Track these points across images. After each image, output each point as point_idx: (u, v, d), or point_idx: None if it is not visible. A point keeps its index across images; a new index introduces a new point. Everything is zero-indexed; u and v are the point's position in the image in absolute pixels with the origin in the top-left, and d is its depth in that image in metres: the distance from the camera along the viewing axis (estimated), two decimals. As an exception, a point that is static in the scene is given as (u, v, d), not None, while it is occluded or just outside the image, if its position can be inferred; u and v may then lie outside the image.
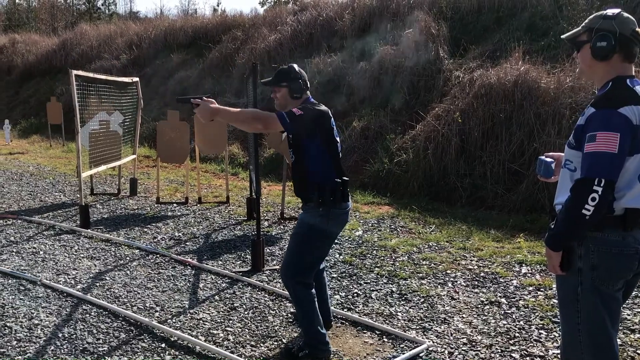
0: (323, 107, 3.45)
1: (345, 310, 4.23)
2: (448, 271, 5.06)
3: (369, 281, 4.84)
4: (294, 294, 3.50)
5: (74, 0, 44.54)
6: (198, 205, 7.88)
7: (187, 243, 6.03)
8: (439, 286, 4.71)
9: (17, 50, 24.80)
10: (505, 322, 4.00)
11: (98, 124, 7.91)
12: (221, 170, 10.88)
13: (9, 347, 3.59)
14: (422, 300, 4.42)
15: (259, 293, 4.55)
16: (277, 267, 5.19)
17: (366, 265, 5.23)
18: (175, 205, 7.88)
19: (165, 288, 4.67)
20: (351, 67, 12.12)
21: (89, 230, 6.45)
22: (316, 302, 3.48)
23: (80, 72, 6.82)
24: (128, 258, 5.48)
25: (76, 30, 24.03)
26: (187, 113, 10.80)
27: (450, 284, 4.76)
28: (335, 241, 6.00)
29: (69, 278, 4.90)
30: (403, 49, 11.01)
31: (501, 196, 7.42)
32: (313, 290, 3.49)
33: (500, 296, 4.48)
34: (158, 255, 5.56)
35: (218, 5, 56.76)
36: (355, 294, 4.55)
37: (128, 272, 5.07)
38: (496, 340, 3.73)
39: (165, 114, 9.64)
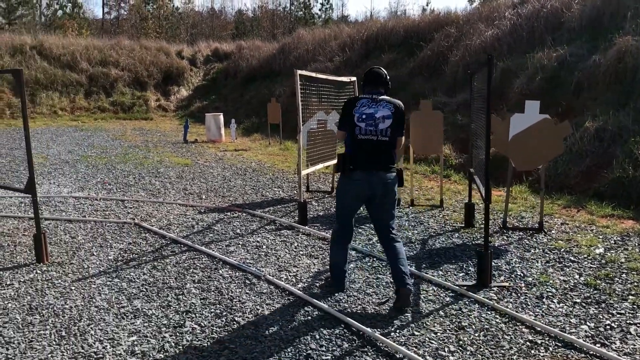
0: (353, 97, 4.54)
1: (597, 345, 3.55)
2: None
3: (622, 311, 4.06)
4: None
5: (292, 8, 47.68)
6: (410, 207, 7.59)
7: (404, 248, 5.73)
8: None
9: (242, 56, 27.21)
10: None
11: (316, 123, 8.04)
12: (431, 171, 10.49)
13: (237, 344, 3.62)
14: (701, 344, 3.54)
15: (489, 313, 4.06)
16: (506, 283, 4.64)
17: (616, 291, 4.42)
18: (387, 206, 7.67)
19: (385, 295, 4.42)
20: (581, 61, 10.87)
21: (306, 227, 6.53)
22: (340, 245, 4.52)
23: (304, 72, 6.94)
24: (345, 259, 5.36)
25: (294, 35, 25.53)
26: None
27: None
28: (572, 258, 5.29)
29: (290, 275, 4.92)
30: (649, 39, 9.52)
31: None
32: (340, 247, 4.52)
33: None
34: (374, 259, 5.36)
35: (427, 5, 56.30)
36: (607, 327, 3.82)
37: (346, 274, 4.92)
38: None
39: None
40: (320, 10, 47.33)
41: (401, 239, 4.46)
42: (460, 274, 4.93)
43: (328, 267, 4.89)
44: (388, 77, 4.46)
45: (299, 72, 6.67)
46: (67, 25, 40.13)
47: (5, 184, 9.30)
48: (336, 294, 4.44)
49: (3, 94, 21.92)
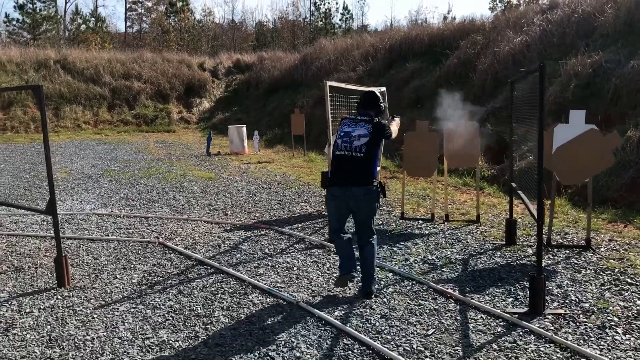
0: (342, 118, 4.98)
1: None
2: None
3: (697, 345, 3.65)
4: None
5: (312, 18, 47.66)
6: (445, 223, 7.22)
7: (444, 269, 5.38)
8: None
9: (264, 67, 27.08)
10: None
11: (345, 135, 7.73)
12: (463, 184, 10.10)
13: (274, 383, 3.30)
14: None
15: (547, 346, 3.68)
16: (562, 310, 4.26)
17: (686, 321, 4.01)
18: (420, 222, 7.33)
19: (430, 325, 4.06)
20: (618, 67, 10.41)
21: (337, 246, 6.20)
22: (340, 242, 4.72)
23: (334, 83, 6.65)
24: (382, 282, 5.01)
25: (315, 46, 25.32)
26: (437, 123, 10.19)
27: None
28: (629, 280, 4.89)
29: (324, 301, 4.59)
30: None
31: None
32: (339, 239, 4.73)
33: None
34: (414, 282, 5.00)
35: (448, 13, 55.87)
36: (685, 364, 3.42)
37: (385, 299, 4.59)
38: None
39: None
40: (340, 20, 47.25)
41: (375, 240, 4.79)
42: (509, 299, 4.55)
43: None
44: (381, 101, 4.88)
45: (329, 83, 6.38)
46: (90, 40, 40.53)
47: (28, 200, 9.16)
48: (376, 324, 4.10)
49: (27, 108, 22.06)
